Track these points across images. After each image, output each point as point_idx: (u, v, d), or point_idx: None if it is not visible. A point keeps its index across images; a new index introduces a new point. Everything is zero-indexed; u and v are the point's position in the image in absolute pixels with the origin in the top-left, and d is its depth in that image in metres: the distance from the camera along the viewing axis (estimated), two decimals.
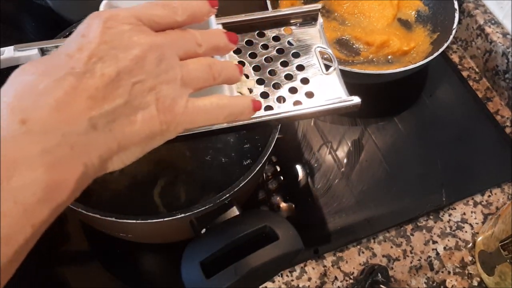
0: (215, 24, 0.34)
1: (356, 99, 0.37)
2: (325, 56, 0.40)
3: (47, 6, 0.62)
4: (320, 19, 0.41)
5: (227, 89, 0.34)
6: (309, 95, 0.37)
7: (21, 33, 0.63)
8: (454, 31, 0.58)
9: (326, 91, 0.37)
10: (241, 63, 0.39)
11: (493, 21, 0.64)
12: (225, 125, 0.35)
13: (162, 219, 0.37)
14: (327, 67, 0.39)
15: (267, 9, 0.58)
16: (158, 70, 0.27)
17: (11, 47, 0.35)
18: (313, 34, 0.41)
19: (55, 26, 0.60)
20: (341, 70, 0.52)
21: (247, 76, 0.38)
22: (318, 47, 0.40)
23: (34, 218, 0.22)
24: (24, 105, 0.23)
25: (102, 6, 0.32)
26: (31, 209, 0.22)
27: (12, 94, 0.24)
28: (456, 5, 0.60)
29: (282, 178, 0.54)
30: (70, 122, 0.24)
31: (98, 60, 0.25)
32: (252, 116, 0.35)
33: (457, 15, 0.59)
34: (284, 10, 0.41)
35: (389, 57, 0.61)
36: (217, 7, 0.31)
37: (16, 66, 0.26)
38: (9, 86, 0.25)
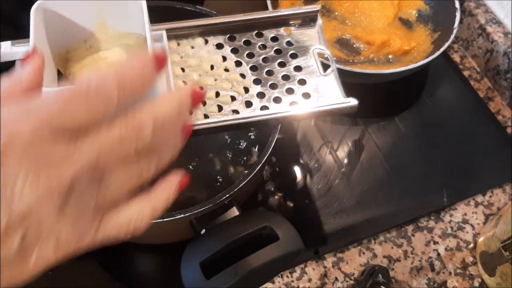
0: (149, 29, 0.31)
1: (353, 101, 0.36)
2: (325, 56, 0.39)
3: None
4: (319, 20, 0.41)
5: (164, 81, 0.32)
6: (306, 96, 0.37)
7: (21, 33, 0.63)
8: (455, 31, 0.58)
9: (323, 92, 0.37)
10: (238, 63, 0.38)
11: (494, 21, 0.64)
12: (217, 124, 0.34)
13: (162, 220, 0.37)
14: (325, 69, 0.38)
15: (267, 9, 0.58)
16: (60, 216, 0.21)
17: (9, 42, 0.35)
18: (312, 35, 0.40)
19: None
20: (342, 70, 0.52)
21: (244, 76, 0.38)
22: (316, 48, 0.39)
23: None
24: None
25: (33, 9, 0.31)
26: None
27: None
28: (457, 5, 0.60)
29: (282, 178, 0.54)
30: None
31: None
32: (247, 116, 0.35)
33: (458, 14, 0.59)
34: (283, 11, 0.40)
35: (390, 56, 0.61)
36: (164, 67, 0.23)
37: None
38: None
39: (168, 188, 0.25)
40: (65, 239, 0.22)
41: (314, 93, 0.37)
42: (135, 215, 0.24)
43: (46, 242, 0.22)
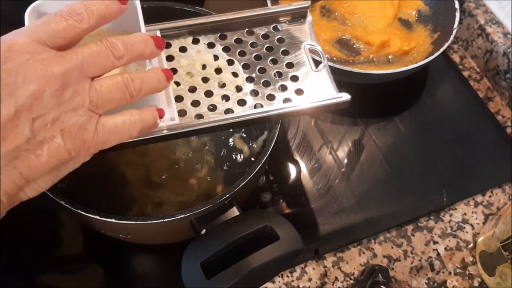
0: (143, 27, 0.33)
1: (346, 96, 0.37)
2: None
3: None
4: (309, 17, 0.41)
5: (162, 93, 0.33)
6: (299, 92, 0.37)
7: None
8: (454, 31, 0.58)
9: (316, 88, 0.37)
10: (230, 62, 0.38)
11: (494, 21, 0.64)
12: (212, 125, 0.35)
13: (162, 220, 0.37)
14: (317, 65, 0.39)
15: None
16: (60, 100, 0.26)
17: None
18: (303, 31, 0.41)
19: None
20: (342, 70, 0.52)
21: (236, 75, 0.38)
22: (307, 44, 0.40)
23: None
24: None
25: (27, 13, 0.31)
26: None
27: None
28: (457, 5, 0.60)
29: (282, 178, 0.54)
30: None
31: None
32: (241, 114, 0.35)
33: (458, 15, 0.59)
34: (272, 8, 0.41)
35: (390, 57, 0.61)
36: (125, 5, 0.30)
37: None
38: None
39: (152, 109, 0.31)
40: (69, 126, 0.26)
41: (307, 89, 0.37)
42: (128, 120, 0.29)
43: (53, 128, 0.26)
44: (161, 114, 0.32)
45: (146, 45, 0.30)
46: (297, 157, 0.56)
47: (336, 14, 0.65)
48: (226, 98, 0.37)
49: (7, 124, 0.25)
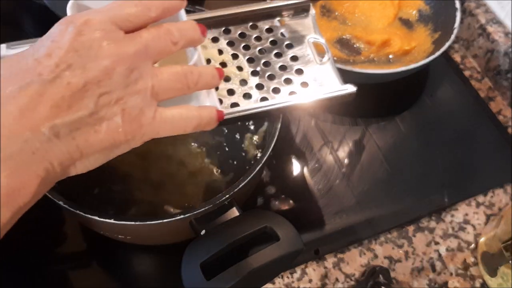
0: (185, 15, 0.33)
1: (351, 88, 0.37)
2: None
3: (47, 6, 0.62)
4: (312, 10, 0.41)
5: (205, 92, 0.33)
6: (304, 85, 0.37)
7: (20, 32, 0.63)
8: (455, 31, 0.58)
9: (321, 80, 0.37)
10: (235, 56, 0.38)
11: (494, 21, 0.64)
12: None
13: (161, 221, 0.37)
14: (321, 57, 0.39)
15: None
16: (127, 81, 0.27)
17: (4, 45, 0.35)
18: (306, 25, 0.41)
19: None
20: (342, 70, 0.52)
21: (241, 69, 0.38)
22: (311, 37, 0.40)
23: None
24: None
25: (69, 6, 0.31)
26: None
27: None
28: (457, 5, 0.60)
29: (282, 178, 0.54)
30: (33, 129, 0.24)
31: (66, 68, 0.25)
32: (247, 108, 0.35)
33: (458, 14, 0.59)
34: (275, 2, 0.41)
35: (390, 56, 0.61)
36: (186, 1, 0.31)
37: None
38: None
39: (211, 108, 0.31)
40: (130, 108, 0.27)
41: (312, 82, 0.37)
42: (185, 113, 0.30)
43: (116, 107, 0.26)
44: (220, 116, 0.32)
45: (195, 31, 0.30)
46: (297, 157, 0.56)
47: (337, 13, 0.65)
48: (231, 92, 0.37)
49: (75, 94, 0.25)
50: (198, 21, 0.38)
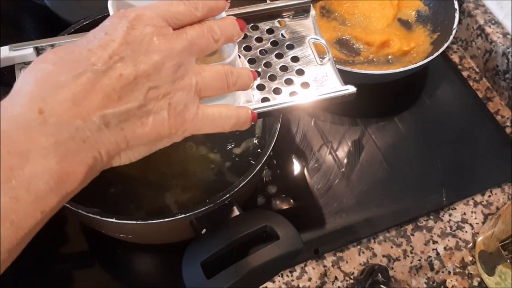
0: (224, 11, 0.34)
1: (351, 88, 0.37)
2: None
3: (47, 6, 0.62)
4: (313, 11, 0.42)
5: (242, 93, 0.34)
6: (305, 85, 0.37)
7: (21, 33, 0.63)
8: (454, 31, 0.58)
9: (321, 81, 0.38)
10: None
11: (493, 21, 0.64)
12: None
13: (162, 220, 0.37)
14: (321, 58, 0.39)
15: None
16: (174, 76, 0.27)
17: (6, 47, 0.35)
18: (306, 25, 0.41)
19: (55, 26, 0.60)
20: (342, 70, 0.52)
21: None
22: (311, 38, 0.40)
23: (44, 206, 0.23)
24: (44, 95, 0.24)
25: (110, 4, 0.32)
26: (42, 196, 0.23)
27: (33, 83, 0.25)
28: (456, 5, 0.60)
29: (281, 178, 0.54)
30: (85, 118, 0.25)
31: (119, 60, 0.26)
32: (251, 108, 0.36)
33: (457, 15, 0.59)
34: (276, 3, 0.41)
35: (389, 57, 0.61)
36: (229, 2, 0.32)
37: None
38: (30, 74, 0.25)
39: (247, 109, 0.33)
40: (176, 103, 0.27)
41: (313, 82, 0.38)
42: (224, 111, 0.30)
43: (163, 102, 0.27)
44: (254, 116, 0.33)
45: (234, 27, 0.31)
46: (297, 157, 0.56)
47: (336, 14, 0.65)
48: None
49: (125, 86, 0.26)
50: None
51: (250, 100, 0.36)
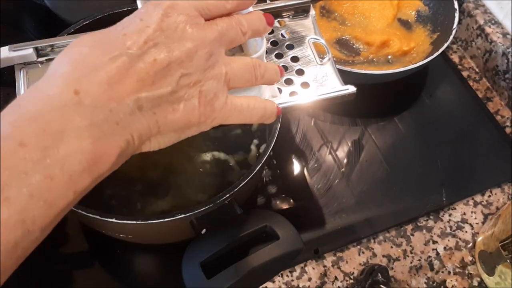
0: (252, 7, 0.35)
1: (351, 88, 0.37)
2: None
3: (47, 6, 0.62)
4: (312, 11, 0.42)
5: (267, 88, 0.35)
6: (305, 85, 0.38)
7: (21, 33, 0.63)
8: (454, 31, 0.58)
9: (321, 81, 0.38)
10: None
11: (493, 21, 0.64)
12: None
13: (162, 220, 0.37)
14: (321, 58, 0.39)
15: None
16: (205, 65, 0.28)
17: (6, 47, 0.35)
18: (306, 25, 0.41)
19: (55, 26, 0.60)
20: (341, 70, 0.52)
21: None
22: (311, 38, 0.40)
23: (77, 185, 0.24)
24: (79, 77, 0.25)
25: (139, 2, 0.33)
26: (76, 176, 0.24)
27: (69, 64, 0.25)
28: (456, 5, 0.60)
29: (281, 178, 0.54)
30: (119, 100, 0.25)
31: (153, 46, 0.26)
32: None
33: (457, 15, 0.59)
34: (276, 3, 0.41)
35: (389, 57, 0.61)
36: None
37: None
38: (65, 56, 0.26)
39: (273, 103, 0.33)
40: (206, 91, 0.28)
41: (313, 82, 0.38)
42: (252, 103, 0.31)
43: (194, 89, 0.27)
44: (279, 111, 0.33)
45: (261, 22, 0.32)
46: (297, 157, 0.56)
47: (336, 14, 0.65)
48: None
49: (159, 72, 0.26)
50: None
51: (276, 95, 0.36)
